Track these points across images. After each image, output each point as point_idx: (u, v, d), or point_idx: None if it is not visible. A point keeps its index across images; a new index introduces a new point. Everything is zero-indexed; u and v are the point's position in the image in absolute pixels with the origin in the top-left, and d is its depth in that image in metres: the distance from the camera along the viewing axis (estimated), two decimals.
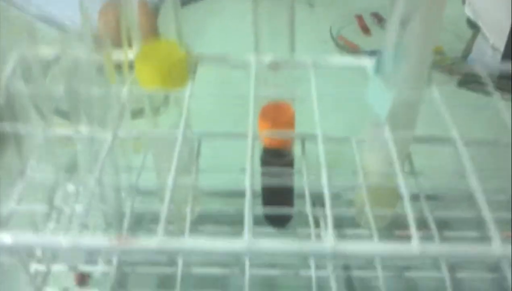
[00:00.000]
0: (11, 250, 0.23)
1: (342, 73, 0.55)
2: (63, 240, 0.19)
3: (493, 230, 0.19)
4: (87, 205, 0.20)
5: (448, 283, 0.28)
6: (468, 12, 0.68)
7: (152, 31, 0.29)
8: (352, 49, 0.59)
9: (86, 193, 0.21)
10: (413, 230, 0.19)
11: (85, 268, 0.33)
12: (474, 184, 0.22)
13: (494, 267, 0.32)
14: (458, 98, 0.54)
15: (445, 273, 0.29)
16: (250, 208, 0.20)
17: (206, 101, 0.29)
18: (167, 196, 0.20)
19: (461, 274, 0.31)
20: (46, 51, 0.29)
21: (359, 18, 0.65)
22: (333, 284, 0.31)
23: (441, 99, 0.27)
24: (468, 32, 0.64)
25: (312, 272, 0.30)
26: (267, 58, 0.28)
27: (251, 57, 0.28)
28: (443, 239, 0.29)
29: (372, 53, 0.26)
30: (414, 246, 0.19)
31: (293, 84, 0.30)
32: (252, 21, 0.28)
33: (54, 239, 0.19)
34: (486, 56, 0.58)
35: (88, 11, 0.28)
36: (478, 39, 0.62)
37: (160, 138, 0.30)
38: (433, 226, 0.29)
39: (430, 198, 0.31)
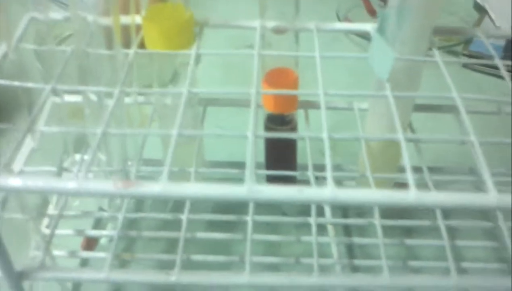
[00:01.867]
0: (20, 192, 0.24)
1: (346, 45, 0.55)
2: (69, 184, 0.19)
3: (488, 179, 0.20)
4: (94, 152, 0.21)
5: (443, 233, 0.29)
6: None
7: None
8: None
9: (93, 143, 0.21)
10: (410, 178, 0.20)
11: (92, 233, 0.34)
12: (476, 145, 0.22)
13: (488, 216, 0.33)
14: (463, 78, 0.54)
15: (440, 222, 0.29)
16: (252, 155, 0.20)
17: (212, 68, 0.30)
18: (172, 143, 0.21)
19: (455, 222, 0.31)
20: (56, 14, 0.30)
21: (366, 1, 0.65)
22: (334, 250, 0.32)
23: (443, 64, 0.27)
24: (475, 16, 0.64)
25: (313, 238, 0.31)
26: (271, 23, 0.29)
27: (256, 22, 0.29)
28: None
29: None
30: (411, 194, 0.19)
31: (297, 50, 0.30)
32: None
33: (61, 183, 0.19)
34: (492, 39, 0.58)
35: None
36: (484, 22, 0.62)
37: (165, 104, 0.31)
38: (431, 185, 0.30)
39: (431, 169, 0.32)
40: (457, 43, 0.57)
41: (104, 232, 0.34)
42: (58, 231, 0.31)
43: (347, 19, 0.61)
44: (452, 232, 0.31)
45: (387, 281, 0.25)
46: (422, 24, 0.27)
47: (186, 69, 0.27)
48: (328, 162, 0.20)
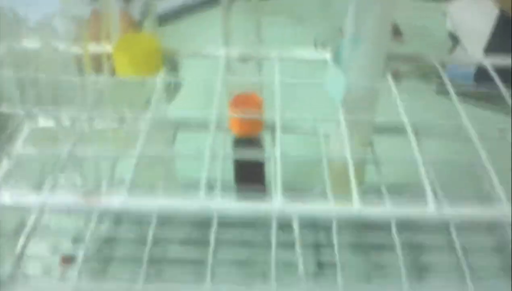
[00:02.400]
0: None
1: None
2: (34, 198, 0.21)
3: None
4: (61, 166, 0.22)
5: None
6: (449, 25, 0.71)
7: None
8: None
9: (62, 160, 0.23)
10: (355, 193, 0.21)
11: (68, 250, 0.35)
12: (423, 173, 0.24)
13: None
14: (436, 105, 0.56)
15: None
16: (205, 173, 0.22)
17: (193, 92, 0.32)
18: (133, 163, 0.23)
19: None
20: (31, 43, 0.32)
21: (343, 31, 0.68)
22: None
23: (396, 89, 0.29)
24: (449, 44, 0.67)
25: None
26: (236, 51, 0.31)
27: (221, 50, 0.31)
28: None
29: None
30: (355, 207, 0.21)
31: (260, 76, 0.32)
32: (222, 17, 0.30)
33: (27, 198, 0.21)
34: (464, 66, 0.60)
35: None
36: (457, 50, 0.64)
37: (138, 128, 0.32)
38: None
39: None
40: (430, 70, 0.59)
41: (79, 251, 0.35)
42: (34, 249, 0.32)
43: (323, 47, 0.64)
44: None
45: None
46: (374, 52, 0.29)
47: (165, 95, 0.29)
48: (278, 178, 0.22)
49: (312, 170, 0.37)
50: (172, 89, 0.54)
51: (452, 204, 0.27)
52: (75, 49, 0.29)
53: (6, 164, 0.28)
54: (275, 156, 0.23)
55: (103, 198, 0.21)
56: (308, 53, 0.31)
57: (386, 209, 0.21)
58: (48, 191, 0.21)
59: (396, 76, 0.58)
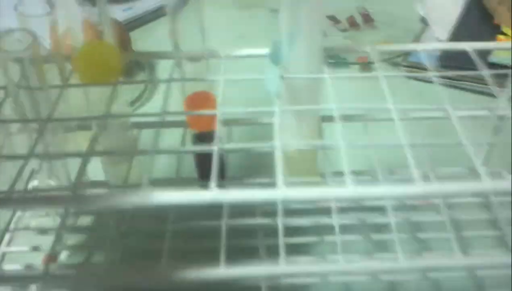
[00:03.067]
0: None
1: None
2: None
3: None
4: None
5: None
6: (419, 9, 0.72)
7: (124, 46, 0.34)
8: None
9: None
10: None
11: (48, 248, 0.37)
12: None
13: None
14: (405, 88, 0.58)
15: None
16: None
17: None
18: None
19: None
20: None
21: None
22: None
23: (332, 80, 0.31)
24: (419, 28, 0.69)
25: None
26: (187, 54, 0.33)
27: (173, 53, 0.33)
28: None
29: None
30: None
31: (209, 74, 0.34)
32: (169, 21, 0.32)
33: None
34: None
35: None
36: (426, 34, 0.66)
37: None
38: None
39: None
40: (397, 55, 0.61)
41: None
42: (15, 248, 0.35)
43: None
44: None
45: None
46: (310, 44, 0.31)
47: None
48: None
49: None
50: (149, 89, 0.57)
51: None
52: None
53: None
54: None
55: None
56: (249, 51, 0.34)
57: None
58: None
59: (365, 64, 0.60)
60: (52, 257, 0.38)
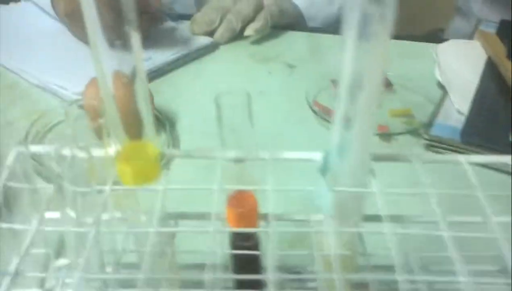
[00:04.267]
0: None
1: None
2: None
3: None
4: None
5: None
6: (437, 75, 0.73)
7: (131, 107, 0.33)
8: (326, 114, 0.63)
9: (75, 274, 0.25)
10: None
11: None
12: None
13: None
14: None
15: None
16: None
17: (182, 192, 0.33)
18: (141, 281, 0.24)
19: None
20: (40, 149, 0.34)
21: (334, 82, 0.70)
22: None
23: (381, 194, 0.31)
24: (438, 95, 0.69)
25: None
26: (231, 153, 0.32)
27: (216, 153, 0.33)
28: None
29: None
30: None
31: (256, 173, 0.34)
32: (216, 120, 0.32)
33: None
34: (452, 121, 0.62)
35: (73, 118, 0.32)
36: (446, 103, 0.66)
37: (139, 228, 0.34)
38: None
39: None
40: (418, 127, 0.61)
41: None
42: None
43: (316, 103, 0.66)
44: None
45: None
46: (360, 157, 0.31)
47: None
48: None
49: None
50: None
51: None
52: (81, 155, 0.31)
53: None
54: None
55: None
56: (299, 154, 0.33)
57: None
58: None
59: (386, 135, 0.60)
60: None
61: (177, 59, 0.75)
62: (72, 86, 0.66)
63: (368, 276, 0.33)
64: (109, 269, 0.37)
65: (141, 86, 0.30)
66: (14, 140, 0.55)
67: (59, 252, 0.38)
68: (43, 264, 0.36)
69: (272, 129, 0.61)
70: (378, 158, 0.33)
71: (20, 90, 0.69)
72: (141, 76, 0.30)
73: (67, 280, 0.36)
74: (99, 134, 0.33)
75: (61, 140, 0.31)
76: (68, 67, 0.71)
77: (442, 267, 0.36)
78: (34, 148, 0.33)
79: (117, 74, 0.31)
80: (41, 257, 0.35)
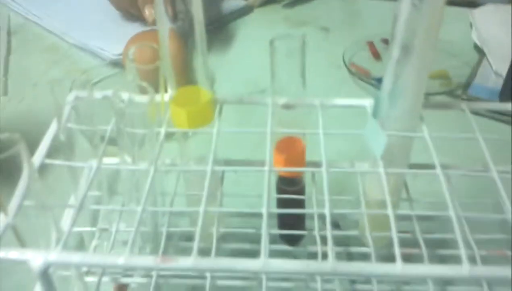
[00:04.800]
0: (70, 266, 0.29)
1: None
2: (119, 260, 0.24)
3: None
4: (136, 229, 0.25)
5: None
6: (474, 37, 0.72)
7: (183, 61, 0.34)
8: (363, 75, 0.63)
9: (132, 217, 0.26)
10: (397, 251, 0.24)
11: (124, 280, 0.38)
12: (452, 211, 0.26)
13: None
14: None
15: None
16: (266, 233, 0.25)
17: (232, 136, 0.34)
18: (199, 223, 0.25)
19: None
20: (100, 94, 0.35)
21: (370, 44, 0.70)
22: None
23: (430, 137, 0.31)
24: (475, 58, 0.68)
25: (319, 285, 0.35)
26: (281, 100, 0.33)
27: (268, 99, 0.33)
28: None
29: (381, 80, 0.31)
30: (398, 266, 0.24)
31: (304, 121, 0.34)
32: (270, 66, 0.32)
33: (112, 258, 0.24)
34: (489, 82, 0.62)
35: (132, 62, 0.33)
36: (483, 65, 0.66)
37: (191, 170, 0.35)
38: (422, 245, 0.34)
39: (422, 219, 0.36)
40: (456, 88, 0.61)
41: (135, 279, 0.38)
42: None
43: (352, 64, 0.66)
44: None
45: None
46: (411, 104, 0.31)
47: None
48: (329, 237, 0.24)
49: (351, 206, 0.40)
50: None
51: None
52: (140, 100, 0.31)
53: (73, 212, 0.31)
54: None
55: (177, 260, 0.24)
56: (348, 101, 0.34)
57: (425, 269, 0.24)
58: (127, 253, 0.24)
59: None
60: (123, 286, 0.39)
61: (210, 23, 0.76)
62: (111, 48, 0.67)
63: (414, 213, 0.34)
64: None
65: (198, 39, 0.31)
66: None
67: (110, 198, 0.40)
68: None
69: (310, 92, 0.61)
70: (428, 106, 0.33)
71: (61, 51, 0.71)
72: (199, 29, 0.31)
73: (120, 226, 0.37)
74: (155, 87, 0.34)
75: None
76: (106, 30, 0.72)
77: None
78: (96, 94, 0.34)
79: (172, 31, 0.32)
80: (95, 199, 0.37)
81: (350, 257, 0.41)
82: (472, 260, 0.25)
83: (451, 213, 0.26)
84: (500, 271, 0.24)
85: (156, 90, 0.34)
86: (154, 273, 0.34)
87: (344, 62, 0.66)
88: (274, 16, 0.82)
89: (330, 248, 0.24)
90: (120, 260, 0.24)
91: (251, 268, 0.24)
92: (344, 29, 0.78)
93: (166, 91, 0.33)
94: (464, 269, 0.24)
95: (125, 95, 0.31)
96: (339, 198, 0.41)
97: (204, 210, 0.26)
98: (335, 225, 0.44)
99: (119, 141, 0.32)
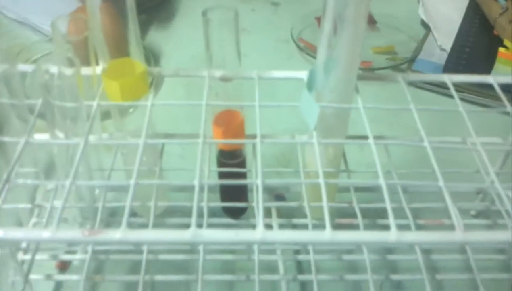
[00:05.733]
0: (1, 244, 0.28)
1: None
2: (44, 234, 0.23)
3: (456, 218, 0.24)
4: (64, 203, 0.25)
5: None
6: (421, 13, 0.73)
7: (116, 34, 0.33)
8: (311, 50, 0.63)
9: (63, 192, 0.25)
10: (327, 219, 0.24)
11: (65, 257, 0.37)
12: (382, 180, 0.27)
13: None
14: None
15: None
16: (196, 205, 0.25)
17: (170, 109, 0.34)
18: (129, 195, 0.25)
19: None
20: (25, 67, 0.34)
21: (319, 19, 0.70)
22: (281, 267, 0.36)
23: (364, 109, 0.31)
24: (421, 33, 0.69)
25: (256, 257, 0.35)
26: (218, 72, 0.33)
27: (204, 72, 0.33)
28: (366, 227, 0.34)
29: None
30: (327, 233, 0.24)
31: (241, 93, 0.34)
32: (204, 38, 0.32)
33: (37, 233, 0.23)
34: (434, 57, 0.63)
35: (60, 34, 0.32)
36: (428, 40, 0.67)
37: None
38: (358, 214, 0.34)
39: (360, 189, 0.37)
40: (401, 63, 0.62)
41: (76, 256, 0.38)
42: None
43: (301, 39, 0.66)
44: None
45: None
46: (346, 75, 0.31)
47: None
48: (260, 207, 0.24)
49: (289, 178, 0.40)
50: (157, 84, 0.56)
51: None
52: (68, 72, 0.31)
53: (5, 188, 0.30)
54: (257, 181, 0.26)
55: (105, 232, 0.23)
56: (285, 73, 0.34)
57: (356, 235, 0.24)
58: (53, 226, 0.23)
59: (369, 70, 0.60)
60: (65, 263, 0.38)
61: None
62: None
63: (351, 182, 0.34)
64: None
65: (129, 9, 0.30)
66: None
67: (48, 175, 0.39)
68: (32, 185, 0.37)
69: (256, 67, 0.61)
70: (363, 77, 0.34)
71: (1, 26, 0.68)
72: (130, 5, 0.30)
73: (55, 202, 0.37)
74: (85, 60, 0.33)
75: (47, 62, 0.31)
76: (48, 5, 0.69)
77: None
78: (20, 67, 0.33)
79: (105, 4, 0.31)
80: (31, 176, 0.36)
81: (294, 228, 0.41)
82: (406, 228, 0.25)
83: (381, 182, 0.27)
84: (428, 236, 0.24)
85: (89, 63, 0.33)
86: (89, 249, 0.33)
87: (292, 37, 0.65)
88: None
89: (261, 217, 0.24)
90: (46, 234, 0.23)
91: (180, 239, 0.23)
92: (294, 3, 0.77)
93: (97, 64, 0.32)
94: (391, 235, 0.24)
95: (53, 69, 0.30)
96: (283, 170, 0.42)
97: (134, 183, 0.26)
98: (280, 197, 0.44)
99: (47, 115, 0.31)
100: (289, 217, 0.40)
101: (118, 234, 0.23)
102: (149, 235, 0.24)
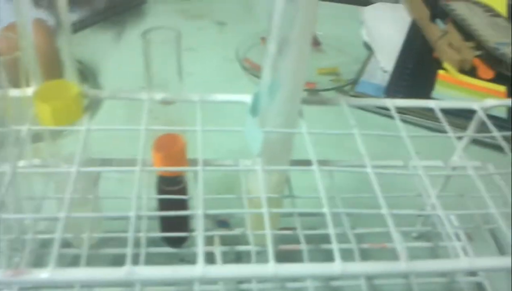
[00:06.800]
0: None
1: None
2: None
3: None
4: None
5: None
6: (364, 35, 0.74)
7: (51, 54, 0.31)
8: (257, 70, 0.63)
9: None
10: (271, 250, 0.23)
11: None
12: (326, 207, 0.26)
13: None
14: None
15: None
16: (132, 238, 0.23)
17: (108, 134, 0.32)
18: (59, 228, 0.23)
19: None
20: None
21: (264, 39, 0.70)
22: None
23: (308, 134, 0.31)
24: (364, 54, 0.70)
25: (197, 288, 0.33)
26: (158, 95, 0.31)
27: (143, 94, 0.31)
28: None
29: None
30: (270, 267, 0.23)
31: (183, 117, 0.33)
32: (144, 59, 0.30)
33: None
34: (376, 79, 0.64)
35: None
36: (371, 62, 0.68)
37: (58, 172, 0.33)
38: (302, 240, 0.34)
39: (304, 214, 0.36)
40: (345, 84, 0.63)
41: None
42: None
43: (246, 60, 0.65)
44: None
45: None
46: (290, 98, 0.31)
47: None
48: (200, 243, 0.23)
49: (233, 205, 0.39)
50: (93, 106, 0.54)
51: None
52: None
53: None
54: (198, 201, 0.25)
55: (30, 272, 0.21)
56: (228, 97, 0.33)
57: (300, 268, 0.23)
58: None
59: (313, 91, 0.60)
60: None
61: (102, 12, 0.72)
62: None
63: (294, 210, 0.34)
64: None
65: (63, 28, 0.29)
66: None
67: None
68: None
69: (201, 86, 0.60)
70: (307, 101, 0.33)
71: None
72: (64, 17, 0.29)
73: None
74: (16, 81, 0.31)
75: None
76: None
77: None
78: None
79: (38, 21, 0.29)
80: None
81: (238, 256, 0.40)
82: (349, 254, 0.25)
83: (325, 210, 0.26)
84: (372, 266, 0.24)
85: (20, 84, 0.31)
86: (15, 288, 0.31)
87: (238, 58, 0.65)
88: (170, 7, 0.79)
89: (201, 252, 0.23)
90: None
91: (114, 278, 0.22)
92: (240, 23, 0.77)
93: (28, 85, 0.30)
94: (336, 267, 0.23)
95: None
96: (226, 196, 0.40)
97: (65, 216, 0.24)
98: (224, 224, 0.43)
99: None
100: (232, 243, 0.39)
101: (45, 274, 0.21)
102: (80, 274, 0.22)
